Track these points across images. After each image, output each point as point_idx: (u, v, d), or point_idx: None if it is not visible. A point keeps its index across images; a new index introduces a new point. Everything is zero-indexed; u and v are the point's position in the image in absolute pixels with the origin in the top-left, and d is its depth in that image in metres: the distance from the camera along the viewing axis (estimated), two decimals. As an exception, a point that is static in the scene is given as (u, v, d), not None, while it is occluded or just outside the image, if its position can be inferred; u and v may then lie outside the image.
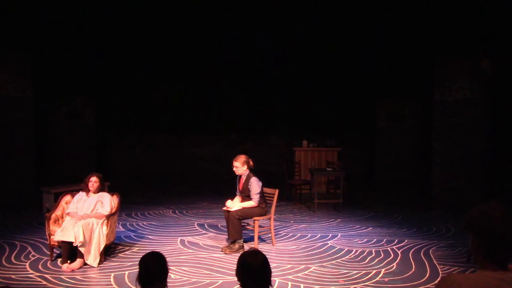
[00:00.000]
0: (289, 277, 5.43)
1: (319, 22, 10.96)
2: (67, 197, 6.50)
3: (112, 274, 5.49)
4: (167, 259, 3.19)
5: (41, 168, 10.70)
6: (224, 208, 6.69)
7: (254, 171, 6.77)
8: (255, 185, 6.55)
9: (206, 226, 7.97)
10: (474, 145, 9.95)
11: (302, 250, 6.60)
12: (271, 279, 2.82)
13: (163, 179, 12.83)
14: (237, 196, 6.92)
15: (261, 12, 10.60)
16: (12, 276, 5.41)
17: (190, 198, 10.47)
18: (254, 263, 2.72)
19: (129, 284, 5.18)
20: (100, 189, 6.38)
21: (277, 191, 6.84)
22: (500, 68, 9.85)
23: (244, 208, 6.56)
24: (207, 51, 12.46)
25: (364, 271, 5.64)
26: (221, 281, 5.28)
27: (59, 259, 5.89)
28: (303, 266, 5.82)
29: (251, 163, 6.75)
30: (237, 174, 6.77)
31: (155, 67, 12.89)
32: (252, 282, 2.70)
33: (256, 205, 6.57)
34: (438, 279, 5.32)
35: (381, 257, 6.21)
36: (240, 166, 6.67)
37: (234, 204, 6.69)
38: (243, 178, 6.71)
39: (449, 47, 10.05)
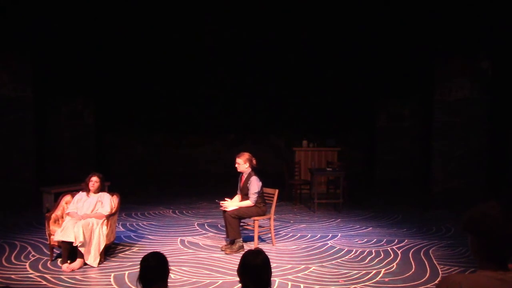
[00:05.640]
0: (289, 277, 5.43)
1: (319, 22, 10.96)
2: (67, 197, 6.50)
3: (112, 274, 5.49)
4: (167, 259, 3.19)
5: (41, 168, 10.70)
6: (221, 208, 6.69)
7: (256, 170, 6.74)
8: (255, 184, 6.53)
9: (206, 226, 7.97)
10: (474, 145, 9.96)
11: (302, 250, 6.60)
12: (271, 279, 2.83)
13: (163, 179, 12.83)
14: (237, 195, 6.91)
15: (262, 12, 10.61)
16: (12, 276, 5.41)
17: (190, 198, 10.46)
18: (255, 263, 2.74)
19: (129, 284, 5.18)
20: (100, 189, 6.38)
21: (277, 191, 6.83)
22: (500, 68, 9.85)
23: (240, 208, 6.54)
24: (207, 51, 12.46)
25: (364, 271, 5.64)
26: (221, 281, 5.28)
27: (59, 259, 5.89)
28: (303, 266, 5.82)
29: (254, 161, 6.73)
30: (238, 171, 6.75)
31: (155, 67, 12.89)
32: (251, 281, 2.72)
33: (253, 204, 6.54)
34: (438, 279, 5.32)
35: (381, 257, 6.21)
36: (242, 163, 6.65)
37: (231, 203, 6.68)
38: (244, 176, 6.70)
39: (449, 47, 10.06)
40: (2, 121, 10.19)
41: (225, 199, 6.79)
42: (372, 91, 12.43)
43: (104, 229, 5.95)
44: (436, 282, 5.22)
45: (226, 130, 13.71)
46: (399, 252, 6.45)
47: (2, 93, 10.21)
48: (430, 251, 6.53)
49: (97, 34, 11.23)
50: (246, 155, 6.70)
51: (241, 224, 6.71)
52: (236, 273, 2.88)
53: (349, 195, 10.04)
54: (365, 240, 7.12)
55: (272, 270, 2.87)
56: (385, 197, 10.78)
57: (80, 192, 6.40)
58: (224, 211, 6.61)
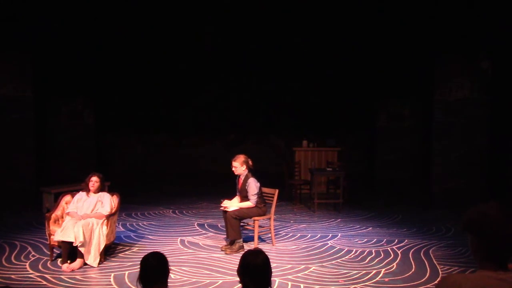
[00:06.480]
0: (289, 277, 5.43)
1: (319, 22, 10.95)
2: (67, 197, 6.50)
3: (112, 274, 5.50)
4: (167, 259, 3.19)
5: (41, 168, 10.69)
6: (222, 208, 6.69)
7: (253, 171, 6.74)
8: (253, 186, 6.53)
9: (206, 226, 7.97)
10: (474, 145, 9.95)
11: (302, 250, 6.60)
12: (271, 279, 2.83)
13: (163, 179, 12.83)
14: (237, 196, 6.91)
15: (262, 12, 10.60)
16: (12, 276, 5.41)
17: (190, 198, 10.47)
18: (255, 262, 2.73)
19: (129, 284, 5.18)
20: (100, 189, 6.38)
21: (277, 191, 6.83)
22: (500, 68, 9.85)
23: (241, 208, 6.55)
24: (207, 51, 12.46)
25: (364, 271, 5.64)
26: (221, 281, 5.28)
27: (59, 259, 5.89)
28: (303, 266, 5.82)
29: (250, 163, 6.73)
30: (236, 174, 6.76)
31: (155, 67, 12.89)
32: (252, 281, 2.71)
33: (254, 205, 6.55)
34: (438, 279, 5.32)
35: (381, 257, 6.21)
36: (239, 166, 6.65)
37: (232, 204, 6.68)
38: (242, 178, 6.70)
39: (449, 47, 10.05)
40: (2, 121, 10.18)
41: (224, 200, 6.81)
42: (372, 91, 12.43)
43: (104, 229, 5.95)
44: (436, 282, 5.22)
45: (226, 130, 13.72)
46: (399, 252, 6.45)
47: (2, 93, 10.20)
48: (430, 251, 6.53)
49: (97, 34, 11.22)
50: (241, 158, 6.69)
51: (241, 224, 6.71)
52: (236, 273, 2.87)
53: (349, 195, 10.04)
54: (365, 240, 7.12)
55: (272, 270, 2.87)
56: (385, 197, 10.78)
57: (80, 192, 6.40)
58: (225, 212, 6.62)
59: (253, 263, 2.73)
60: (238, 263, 2.84)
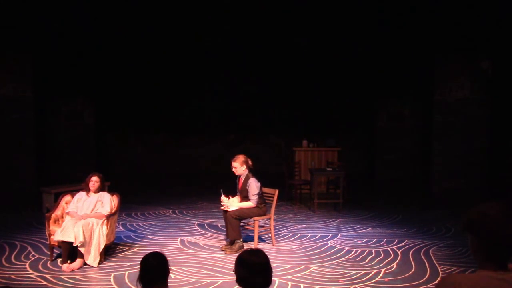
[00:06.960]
0: (289, 277, 5.43)
1: (319, 22, 10.96)
2: (67, 197, 6.50)
3: (112, 274, 5.49)
4: (168, 259, 3.19)
5: (41, 168, 10.70)
6: (222, 207, 6.69)
7: (253, 171, 6.74)
8: (254, 186, 6.52)
9: (206, 226, 7.97)
10: (474, 145, 9.96)
11: (302, 250, 6.60)
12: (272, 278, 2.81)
13: (163, 179, 12.83)
14: (237, 195, 6.91)
15: (262, 13, 10.61)
16: (12, 276, 5.41)
17: (190, 198, 10.46)
18: (258, 261, 2.68)
19: (129, 284, 5.18)
20: (101, 189, 6.38)
21: (277, 191, 6.83)
22: (500, 68, 9.85)
23: (242, 208, 6.54)
24: (207, 52, 12.47)
25: (364, 271, 5.64)
26: (221, 281, 5.28)
27: (59, 259, 5.89)
28: (303, 266, 5.82)
29: (250, 163, 6.72)
30: (236, 174, 6.75)
31: (155, 67, 12.90)
32: (255, 280, 2.66)
33: (254, 206, 6.54)
34: (438, 279, 5.32)
35: (381, 257, 6.21)
36: (239, 166, 6.65)
37: (232, 204, 6.68)
38: (242, 178, 6.69)
39: (449, 47, 10.06)
40: (2, 121, 10.18)
41: (229, 196, 6.82)
42: (372, 91, 12.44)
43: (104, 229, 5.95)
44: (436, 282, 5.22)
45: (226, 130, 13.72)
46: (399, 252, 6.45)
47: (2, 93, 10.21)
48: (430, 251, 6.53)
49: (97, 34, 11.22)
50: (241, 158, 6.69)
51: (241, 224, 6.71)
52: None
53: (349, 195, 10.04)
54: (365, 240, 7.12)
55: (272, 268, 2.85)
56: (385, 197, 10.78)
57: (80, 191, 6.40)
58: (225, 212, 6.62)
59: (255, 262, 2.68)
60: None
